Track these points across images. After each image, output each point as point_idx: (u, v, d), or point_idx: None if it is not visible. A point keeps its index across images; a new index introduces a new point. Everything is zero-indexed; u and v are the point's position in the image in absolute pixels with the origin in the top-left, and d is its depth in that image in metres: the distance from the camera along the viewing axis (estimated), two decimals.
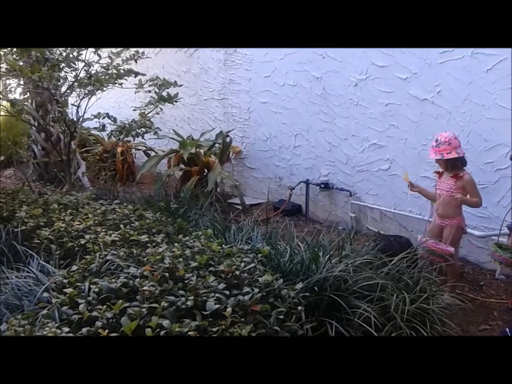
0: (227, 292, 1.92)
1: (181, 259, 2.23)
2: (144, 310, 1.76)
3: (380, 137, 4.62)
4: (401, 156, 4.50)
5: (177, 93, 5.02)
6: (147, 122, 4.83)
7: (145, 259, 2.29)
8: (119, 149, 6.63)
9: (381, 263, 2.95)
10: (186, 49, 6.68)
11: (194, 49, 6.56)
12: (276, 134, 5.68)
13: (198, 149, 5.64)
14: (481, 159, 3.88)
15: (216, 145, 5.86)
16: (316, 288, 2.45)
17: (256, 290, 1.92)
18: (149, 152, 6.84)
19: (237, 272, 2.06)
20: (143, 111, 5.00)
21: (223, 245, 2.57)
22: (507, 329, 3.06)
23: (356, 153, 4.86)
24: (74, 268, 2.25)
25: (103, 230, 2.81)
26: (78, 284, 2.01)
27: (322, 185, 5.16)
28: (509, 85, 3.62)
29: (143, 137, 5.06)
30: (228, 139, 5.82)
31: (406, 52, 4.25)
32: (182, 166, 5.67)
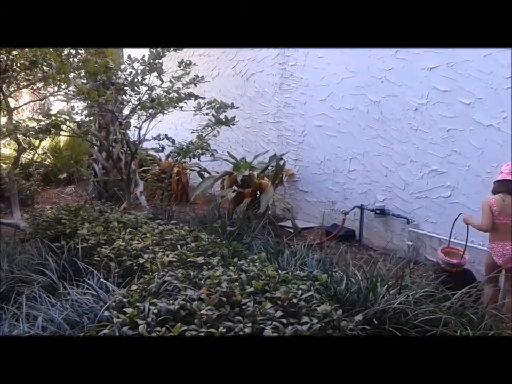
0: (284, 320, 1.88)
1: (237, 283, 2.22)
2: (202, 334, 1.75)
3: (441, 163, 4.46)
4: (463, 183, 4.31)
5: (234, 116, 5.10)
6: (204, 144, 4.93)
7: (201, 281, 2.29)
8: (175, 169, 6.79)
9: (442, 297, 2.81)
10: (243, 73, 6.82)
11: (251, 73, 6.67)
12: (330, 157, 5.62)
13: (251, 171, 5.68)
14: None
15: (270, 167, 5.88)
16: (374, 320, 2.36)
17: (315, 320, 1.87)
18: (203, 173, 6.97)
19: (294, 300, 2.01)
20: (200, 133, 5.11)
21: (279, 270, 2.54)
22: None
23: (415, 179, 4.71)
24: (134, 287, 2.29)
25: (161, 250, 2.86)
26: (138, 304, 2.03)
27: (377, 211, 5.02)
28: None
29: (199, 159, 5.16)
30: (281, 162, 5.82)
31: (470, 77, 4.11)
32: (235, 187, 5.72)
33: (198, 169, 7.02)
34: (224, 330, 1.78)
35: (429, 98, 4.47)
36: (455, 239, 4.44)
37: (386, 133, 4.90)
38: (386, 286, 2.73)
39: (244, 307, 1.96)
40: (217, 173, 6.09)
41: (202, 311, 1.88)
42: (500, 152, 3.99)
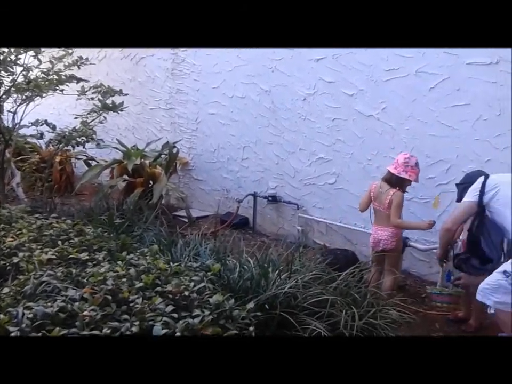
0: (175, 315, 1.81)
1: (124, 279, 2.10)
2: None
3: (327, 152, 4.68)
4: (347, 170, 4.58)
5: (123, 102, 4.85)
6: (89, 131, 4.61)
7: (85, 280, 2.13)
8: (57, 159, 6.30)
9: (329, 278, 2.95)
10: (132, 56, 6.50)
11: (140, 56, 6.39)
12: (224, 145, 5.62)
13: (143, 160, 5.46)
14: (423, 174, 4.00)
15: (162, 156, 5.71)
16: (266, 306, 2.40)
17: (207, 312, 1.83)
18: (90, 162, 6.54)
19: (186, 293, 1.96)
20: (85, 119, 4.77)
21: (170, 262, 2.46)
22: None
23: (303, 167, 4.89)
24: (5, 290, 2.05)
25: (39, 247, 2.61)
26: (10, 308, 1.82)
27: (270, 198, 5.15)
28: (450, 103, 3.78)
29: (84, 147, 4.82)
30: (174, 150, 5.69)
31: (352, 69, 4.35)
32: (126, 177, 5.47)
33: (84, 158, 6.58)
34: (109, 331, 1.67)
35: (316, 88, 4.65)
36: (339, 222, 4.73)
37: (277, 122, 5.01)
38: (277, 271, 2.80)
39: (131, 304, 1.85)
40: (106, 161, 5.76)
41: (85, 312, 1.74)
42: (379, 141, 4.29)
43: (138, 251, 2.65)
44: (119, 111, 4.92)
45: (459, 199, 3.20)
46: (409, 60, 3.97)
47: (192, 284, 2.08)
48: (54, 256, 2.47)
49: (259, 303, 2.39)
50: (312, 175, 4.84)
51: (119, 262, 2.40)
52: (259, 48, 4.98)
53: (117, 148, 5.71)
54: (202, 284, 2.08)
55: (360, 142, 4.43)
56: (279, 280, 2.64)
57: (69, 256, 2.50)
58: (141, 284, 2.06)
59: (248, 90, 5.22)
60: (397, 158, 3.46)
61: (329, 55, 4.49)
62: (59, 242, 2.70)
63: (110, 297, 1.89)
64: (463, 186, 3.14)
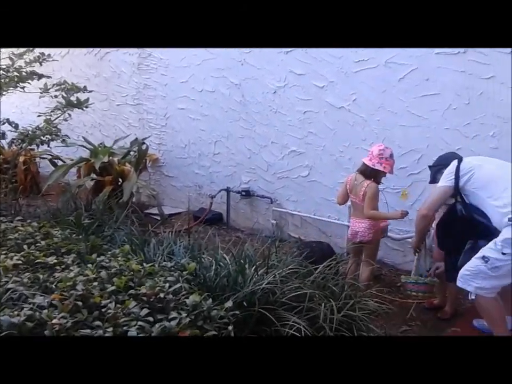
0: (151, 319, 1.74)
1: (95, 283, 2.01)
2: None
3: (299, 144, 4.65)
4: (319, 163, 4.56)
5: (88, 98, 4.69)
6: (53, 129, 4.44)
7: (53, 285, 2.02)
8: (21, 159, 6.06)
9: (306, 272, 2.93)
10: (96, 51, 6.30)
11: (105, 51, 6.20)
12: (194, 141, 5.52)
13: (111, 157, 5.31)
14: (395, 164, 4.02)
15: (131, 153, 5.56)
16: (244, 303, 2.35)
17: (184, 314, 1.77)
18: (56, 161, 6.32)
19: (161, 295, 1.88)
20: (48, 117, 4.59)
21: (144, 263, 2.37)
22: (476, 323, 3.16)
23: (276, 160, 4.86)
24: None
25: (3, 253, 2.48)
26: None
27: (243, 193, 5.09)
28: (420, 93, 3.81)
29: (48, 145, 4.64)
30: (143, 146, 5.55)
31: (322, 61, 4.32)
32: (94, 175, 5.30)
33: (50, 157, 6.36)
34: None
35: (286, 81, 4.61)
36: (314, 215, 4.72)
37: (248, 116, 4.95)
38: (254, 267, 2.75)
39: (104, 310, 1.77)
40: (72, 160, 5.57)
41: (54, 320, 1.65)
42: (350, 133, 4.30)
43: (109, 252, 2.55)
44: (84, 108, 4.76)
45: (432, 181, 3.21)
46: (379, 51, 3.97)
47: (167, 284, 2.01)
48: (20, 261, 2.34)
49: (237, 300, 2.34)
50: (285, 168, 4.81)
51: (89, 265, 2.30)
52: None
53: (83, 146, 5.53)
54: (178, 285, 2.01)
55: (332, 134, 4.42)
56: (256, 276, 2.59)
57: (36, 261, 2.38)
58: (113, 287, 1.97)
59: (217, 84, 5.13)
60: (372, 150, 3.44)
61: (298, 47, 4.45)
62: (25, 246, 2.57)
63: (80, 303, 1.79)
64: (436, 169, 3.15)
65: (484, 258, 2.67)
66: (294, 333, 2.32)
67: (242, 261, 2.73)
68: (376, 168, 3.36)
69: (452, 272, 3.00)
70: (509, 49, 3.33)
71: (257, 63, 4.78)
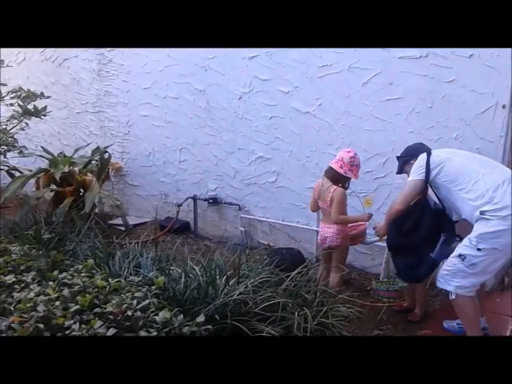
0: None
1: (58, 302, 1.89)
2: None
3: (266, 150, 4.62)
4: (287, 168, 4.55)
5: (46, 106, 4.51)
6: (9, 139, 4.23)
7: (12, 307, 1.89)
8: None
9: (278, 280, 2.88)
10: (54, 58, 6.09)
11: (63, 58, 6.00)
12: (159, 148, 5.40)
13: (71, 167, 5.11)
14: (361, 168, 4.04)
15: (93, 162, 5.38)
16: (216, 316, 2.28)
17: (154, 332, 1.68)
18: (13, 172, 6.05)
19: (129, 312, 1.79)
20: (4, 126, 4.38)
21: (109, 278, 2.26)
22: (445, 324, 3.18)
23: (243, 167, 4.81)
24: None
25: None
26: None
27: (210, 200, 5.01)
28: (384, 97, 3.85)
29: (5, 156, 4.43)
30: (106, 155, 5.38)
31: (287, 66, 4.31)
32: (54, 186, 5.09)
33: (6, 168, 6.07)
34: None
35: (251, 87, 4.57)
36: (282, 221, 4.69)
37: (214, 122, 4.89)
38: (225, 277, 2.68)
39: (67, 332, 1.66)
40: (31, 171, 5.34)
41: None
42: (316, 137, 4.30)
43: (71, 268, 2.42)
44: (42, 117, 4.58)
45: (399, 172, 3.22)
46: (342, 55, 3.99)
47: (135, 301, 1.91)
48: None
49: (208, 313, 2.27)
50: (252, 174, 4.76)
51: (51, 283, 2.17)
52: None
53: (42, 156, 5.31)
54: (147, 301, 1.91)
55: (298, 139, 4.41)
56: (227, 287, 2.53)
57: None
58: (77, 306, 1.86)
59: (181, 90, 5.04)
60: (342, 156, 3.39)
61: (262, 53, 4.43)
62: None
63: (42, 325, 1.68)
64: (404, 160, 3.14)
65: (461, 256, 2.66)
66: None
67: (212, 272, 2.66)
68: (347, 175, 3.35)
69: (404, 271, 3.04)
70: (468, 53, 3.41)
71: (221, 69, 4.72)
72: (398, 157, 3.23)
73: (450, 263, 2.74)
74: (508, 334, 3.10)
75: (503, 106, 3.36)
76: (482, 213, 2.59)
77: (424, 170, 2.83)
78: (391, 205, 3.12)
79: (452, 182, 2.76)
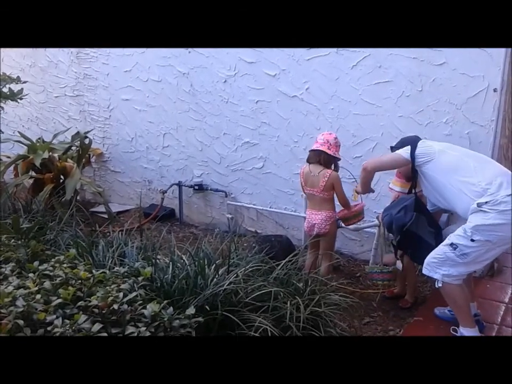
0: (105, 334, 1.55)
1: (39, 296, 1.78)
2: None
3: (253, 135, 4.52)
4: (274, 154, 4.45)
5: (22, 89, 4.31)
6: None
7: None
8: None
9: (268, 268, 2.82)
10: None
11: None
12: (141, 133, 5.24)
13: (51, 153, 4.93)
14: (350, 153, 3.99)
15: (73, 147, 5.21)
16: (206, 307, 2.20)
17: (142, 326, 1.59)
18: None
19: (115, 306, 1.69)
20: None
21: (93, 269, 2.16)
22: (437, 311, 3.16)
23: (229, 152, 4.70)
24: None
25: None
26: None
27: (196, 187, 4.90)
28: (373, 81, 3.77)
29: None
30: (86, 140, 5.21)
31: (273, 48, 4.19)
32: (33, 173, 4.92)
33: None
34: None
35: (237, 70, 4.44)
36: (270, 207, 4.62)
37: (198, 106, 4.75)
38: (214, 266, 2.60)
39: (49, 328, 1.56)
40: (9, 157, 5.15)
41: None
42: (304, 122, 4.21)
43: (53, 259, 2.30)
44: (18, 100, 4.37)
45: None
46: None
47: (121, 293, 1.81)
48: None
49: (198, 304, 2.19)
50: (238, 160, 4.66)
51: (31, 275, 2.06)
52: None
53: (20, 142, 5.11)
54: (134, 294, 1.82)
55: (285, 124, 4.31)
56: (217, 277, 2.45)
57: None
58: (59, 300, 1.76)
59: (164, 73, 4.88)
60: (326, 139, 3.35)
61: None
62: None
63: (21, 321, 1.57)
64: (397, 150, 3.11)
65: (452, 245, 2.64)
66: (259, 335, 2.21)
67: (201, 261, 2.57)
68: (336, 156, 3.31)
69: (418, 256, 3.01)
70: None
71: (205, 51, 4.57)
72: (392, 147, 3.20)
73: (440, 251, 2.71)
74: (499, 320, 3.10)
75: (494, 90, 3.32)
76: (479, 205, 2.57)
77: (409, 152, 2.85)
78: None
79: (445, 175, 2.75)
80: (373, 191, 3.39)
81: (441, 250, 2.70)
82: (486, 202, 2.55)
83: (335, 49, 3.88)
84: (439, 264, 2.70)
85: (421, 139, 3.02)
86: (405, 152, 2.89)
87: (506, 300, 3.39)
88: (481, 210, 2.57)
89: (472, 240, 2.57)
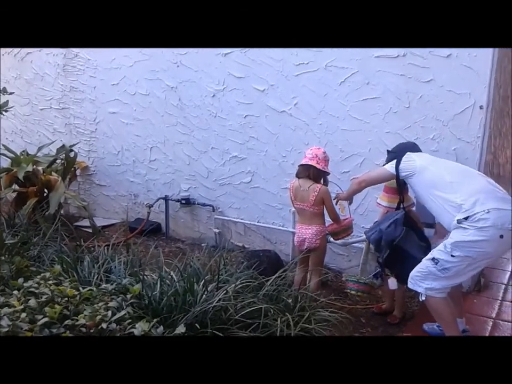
0: None
1: (24, 314, 1.72)
2: None
3: (241, 150, 4.51)
4: (262, 168, 4.45)
5: (7, 101, 4.25)
6: None
7: None
8: None
9: (257, 284, 2.78)
10: (16, 52, 5.77)
11: (26, 52, 5.69)
12: (128, 147, 5.20)
13: (35, 166, 4.86)
14: (338, 169, 4.00)
15: (58, 161, 5.13)
16: (196, 325, 2.15)
17: None
18: None
19: (103, 325, 1.64)
20: None
21: (79, 287, 2.10)
22: (426, 327, 3.15)
23: (217, 166, 4.68)
24: None
25: None
26: None
27: (183, 201, 4.85)
28: (361, 97, 3.81)
29: None
30: (71, 154, 5.14)
31: (262, 63, 4.21)
32: (16, 186, 4.83)
33: None
34: None
35: (225, 84, 4.45)
36: (257, 222, 4.59)
37: (186, 120, 4.73)
38: (203, 282, 2.56)
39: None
40: None
41: None
42: (292, 137, 4.22)
43: (38, 276, 2.24)
44: (3, 113, 4.30)
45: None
46: (319, 53, 3.92)
47: (109, 312, 1.76)
48: None
49: (187, 322, 2.15)
50: (226, 174, 4.64)
51: (15, 292, 2.00)
52: None
53: (3, 155, 5.02)
54: (123, 312, 1.77)
55: (274, 139, 4.32)
56: (206, 293, 2.41)
57: None
58: (46, 319, 1.70)
59: (152, 87, 4.86)
60: (315, 153, 3.33)
61: (236, 49, 4.30)
62: None
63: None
64: (392, 155, 3.12)
65: (434, 260, 2.67)
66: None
67: (191, 278, 2.53)
68: (325, 170, 3.31)
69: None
70: (446, 53, 3.40)
71: (194, 65, 4.57)
72: (388, 151, 3.27)
73: (423, 265, 2.75)
74: (487, 335, 3.10)
75: (481, 107, 3.37)
76: (459, 221, 2.60)
77: (394, 166, 2.90)
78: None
79: (427, 190, 2.79)
80: (352, 202, 3.41)
81: (424, 264, 2.74)
82: (465, 218, 2.57)
83: (323, 65, 3.92)
84: (422, 278, 2.73)
85: (417, 147, 3.07)
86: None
87: (494, 315, 3.40)
88: (461, 226, 2.59)
89: (452, 256, 2.60)
